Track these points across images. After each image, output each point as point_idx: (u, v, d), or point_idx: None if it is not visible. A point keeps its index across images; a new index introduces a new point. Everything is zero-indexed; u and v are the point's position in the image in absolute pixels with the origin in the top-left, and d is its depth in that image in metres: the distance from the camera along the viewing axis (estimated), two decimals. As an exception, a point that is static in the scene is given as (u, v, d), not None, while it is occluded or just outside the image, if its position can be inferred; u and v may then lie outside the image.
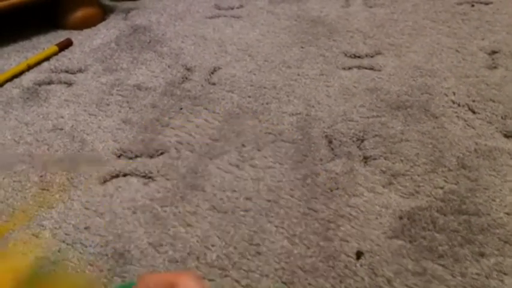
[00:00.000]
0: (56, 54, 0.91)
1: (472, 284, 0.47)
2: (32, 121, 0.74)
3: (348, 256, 0.51)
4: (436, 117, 0.69)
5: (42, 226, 0.57)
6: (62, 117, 0.74)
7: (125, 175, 0.63)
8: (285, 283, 0.49)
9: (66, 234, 0.55)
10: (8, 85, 0.83)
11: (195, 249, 0.52)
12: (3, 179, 0.63)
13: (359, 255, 0.51)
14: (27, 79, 0.84)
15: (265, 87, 0.79)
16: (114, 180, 0.63)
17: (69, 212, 0.58)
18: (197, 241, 0.54)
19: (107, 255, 0.52)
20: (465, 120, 0.68)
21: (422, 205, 0.56)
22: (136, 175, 0.63)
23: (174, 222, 0.56)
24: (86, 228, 0.56)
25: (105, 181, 0.62)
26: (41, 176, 0.63)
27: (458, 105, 0.71)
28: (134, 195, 0.60)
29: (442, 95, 0.74)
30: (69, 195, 0.60)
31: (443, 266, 0.49)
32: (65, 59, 0.90)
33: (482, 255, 0.50)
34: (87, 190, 0.61)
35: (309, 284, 0.49)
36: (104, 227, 0.56)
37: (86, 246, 0.54)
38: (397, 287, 0.47)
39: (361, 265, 0.50)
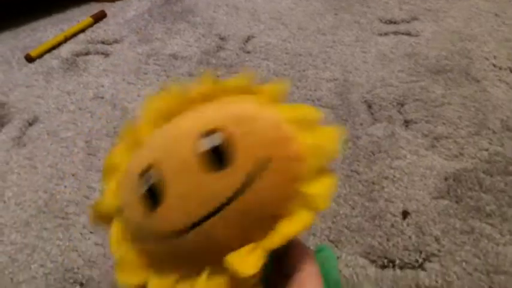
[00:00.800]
0: (91, 25, 0.92)
1: (522, 241, 0.47)
2: (73, 90, 0.75)
3: (394, 216, 0.51)
4: (478, 81, 0.68)
5: (92, 188, 0.58)
6: (102, 86, 0.76)
7: (167, 141, 0.64)
8: (332, 241, 0.50)
9: (115, 196, 0.57)
10: (47, 56, 0.84)
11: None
12: (51, 145, 0.65)
13: (405, 214, 0.51)
14: (65, 50, 0.86)
15: (300, 55, 0.78)
16: (157, 145, 0.64)
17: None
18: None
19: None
20: (507, 83, 0.67)
21: (467, 167, 0.56)
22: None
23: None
24: (134, 190, 0.57)
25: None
26: (87, 142, 0.65)
27: (500, 68, 0.70)
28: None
29: (483, 59, 0.73)
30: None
31: (491, 225, 0.49)
32: (101, 31, 0.91)
33: (530, 214, 0.50)
34: (132, 155, 0.62)
35: (356, 242, 0.49)
36: (152, 190, 0.57)
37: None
38: (446, 244, 0.48)
39: (407, 224, 0.50)
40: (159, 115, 0.30)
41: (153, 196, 0.26)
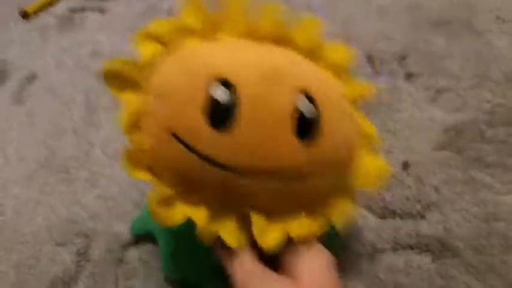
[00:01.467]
0: (86, -18, 0.90)
1: (521, 190, 0.47)
2: (70, 47, 0.74)
3: (394, 166, 0.51)
4: (481, 33, 0.67)
5: (92, 144, 0.58)
6: (100, 42, 0.74)
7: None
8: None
9: (115, 151, 0.57)
10: (42, 13, 0.83)
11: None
12: (50, 101, 0.65)
13: (405, 165, 0.52)
14: (61, 7, 0.84)
15: (300, 10, 0.77)
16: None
17: (116, 131, 0.59)
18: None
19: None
20: (511, 35, 0.66)
21: (469, 118, 0.55)
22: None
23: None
24: (135, 145, 0.57)
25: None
26: (86, 99, 0.64)
27: (503, 21, 0.69)
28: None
29: (486, 11, 0.71)
30: (115, 115, 0.62)
31: (491, 175, 0.49)
32: (96, -13, 0.88)
33: (531, 163, 0.50)
34: (132, 111, 0.62)
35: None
36: (152, 144, 0.57)
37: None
38: (446, 193, 0.48)
39: (408, 175, 0.51)
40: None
41: (220, 113, 0.24)
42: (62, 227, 0.50)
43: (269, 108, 0.25)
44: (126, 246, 0.48)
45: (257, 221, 0.26)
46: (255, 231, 0.26)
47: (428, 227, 0.46)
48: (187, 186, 0.26)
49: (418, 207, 0.48)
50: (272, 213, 0.27)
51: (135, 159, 0.27)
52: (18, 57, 0.73)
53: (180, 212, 0.26)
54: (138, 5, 0.82)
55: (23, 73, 0.70)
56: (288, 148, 0.26)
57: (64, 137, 0.60)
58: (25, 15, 0.81)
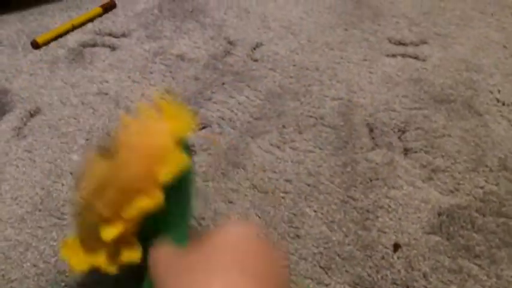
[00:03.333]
0: (100, 15, 0.91)
1: (507, 286, 0.48)
2: (78, 83, 0.75)
3: (386, 247, 0.52)
4: (480, 115, 0.69)
5: (89, 190, 0.58)
6: (107, 81, 0.75)
7: (168, 146, 0.65)
8: (323, 268, 0.50)
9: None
10: (53, 44, 0.84)
11: (236, 226, 0.54)
12: (51, 139, 0.65)
13: (396, 247, 0.52)
14: (72, 39, 0.85)
15: (307, 69, 0.79)
16: (157, 150, 0.64)
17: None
18: (238, 218, 0.55)
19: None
20: (509, 120, 0.68)
21: (461, 203, 0.56)
22: (179, 147, 0.64)
23: (216, 197, 0.58)
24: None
25: (149, 150, 0.64)
26: (87, 140, 0.65)
27: (503, 104, 0.71)
28: (177, 168, 0.61)
29: (487, 91, 0.73)
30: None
31: (479, 266, 0.50)
32: (109, 22, 0.90)
33: (518, 259, 0.51)
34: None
35: (346, 271, 0.50)
36: (149, 197, 0.58)
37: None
38: (433, 282, 0.49)
39: (398, 257, 0.51)
40: None
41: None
42: (50, 276, 0.50)
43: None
44: (112, 302, 0.48)
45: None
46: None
47: (413, 316, 0.46)
48: None
49: (405, 293, 0.48)
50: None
51: None
52: (23, 89, 0.74)
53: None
54: (148, 46, 0.84)
55: (27, 106, 0.71)
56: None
57: (62, 178, 0.60)
58: (36, 45, 0.82)
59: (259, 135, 0.66)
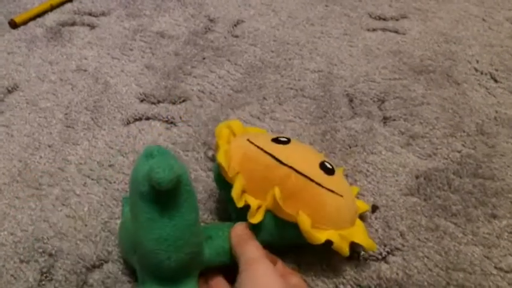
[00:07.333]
0: (79, -4, 0.90)
1: (483, 242, 0.49)
2: (56, 60, 0.74)
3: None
4: (458, 84, 0.69)
5: (68, 161, 0.58)
6: (86, 58, 0.75)
7: (147, 119, 0.64)
8: (301, 230, 0.51)
9: (90, 170, 0.57)
10: (31, 24, 0.83)
11: (215, 191, 0.54)
12: (29, 114, 0.65)
13: (374, 209, 0.53)
14: (50, 19, 0.84)
15: (288, 43, 0.79)
16: (137, 122, 0.64)
17: (93, 149, 0.60)
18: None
19: (130, 192, 0.54)
20: (487, 89, 0.68)
21: (439, 166, 0.57)
22: (159, 119, 0.64)
23: (196, 166, 0.58)
24: (110, 165, 0.57)
25: (128, 123, 0.64)
26: (66, 114, 0.65)
27: (481, 73, 0.71)
28: (157, 138, 0.61)
29: (466, 62, 0.74)
30: (94, 133, 0.62)
31: (455, 224, 0.51)
32: (88, 2, 0.89)
33: (494, 217, 0.51)
34: (111, 130, 0.62)
35: (325, 232, 0.50)
36: (128, 166, 0.57)
37: (110, 183, 0.55)
38: (410, 240, 0.49)
39: (375, 218, 0.52)
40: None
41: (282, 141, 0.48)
42: (27, 243, 0.50)
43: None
44: (90, 268, 0.48)
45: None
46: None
47: (390, 271, 0.47)
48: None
49: (382, 250, 0.48)
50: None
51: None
52: (1, 67, 0.73)
53: None
54: (128, 24, 0.83)
55: (5, 83, 0.70)
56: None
57: (40, 151, 0.59)
58: (13, 25, 0.81)
59: (239, 107, 0.66)
